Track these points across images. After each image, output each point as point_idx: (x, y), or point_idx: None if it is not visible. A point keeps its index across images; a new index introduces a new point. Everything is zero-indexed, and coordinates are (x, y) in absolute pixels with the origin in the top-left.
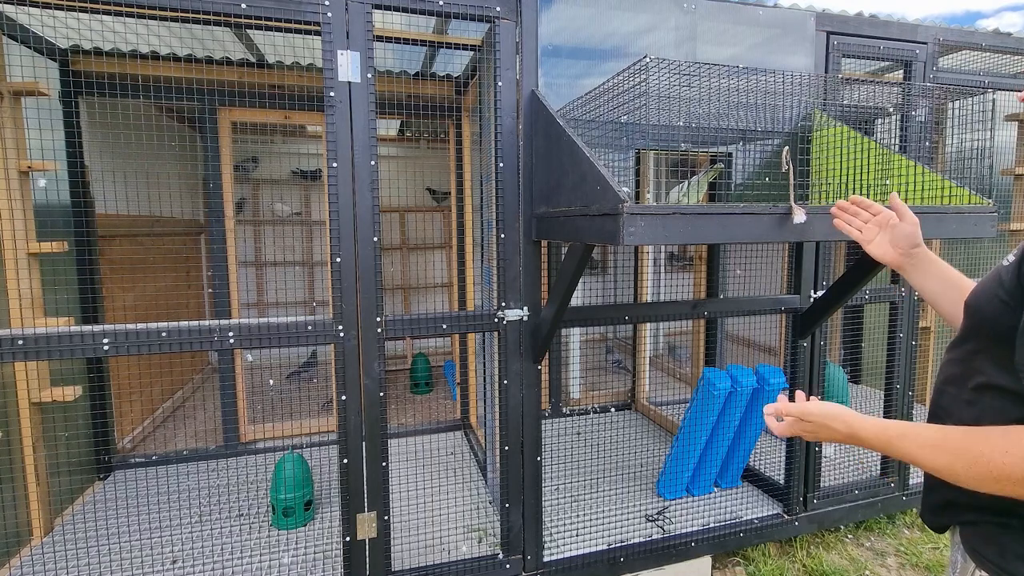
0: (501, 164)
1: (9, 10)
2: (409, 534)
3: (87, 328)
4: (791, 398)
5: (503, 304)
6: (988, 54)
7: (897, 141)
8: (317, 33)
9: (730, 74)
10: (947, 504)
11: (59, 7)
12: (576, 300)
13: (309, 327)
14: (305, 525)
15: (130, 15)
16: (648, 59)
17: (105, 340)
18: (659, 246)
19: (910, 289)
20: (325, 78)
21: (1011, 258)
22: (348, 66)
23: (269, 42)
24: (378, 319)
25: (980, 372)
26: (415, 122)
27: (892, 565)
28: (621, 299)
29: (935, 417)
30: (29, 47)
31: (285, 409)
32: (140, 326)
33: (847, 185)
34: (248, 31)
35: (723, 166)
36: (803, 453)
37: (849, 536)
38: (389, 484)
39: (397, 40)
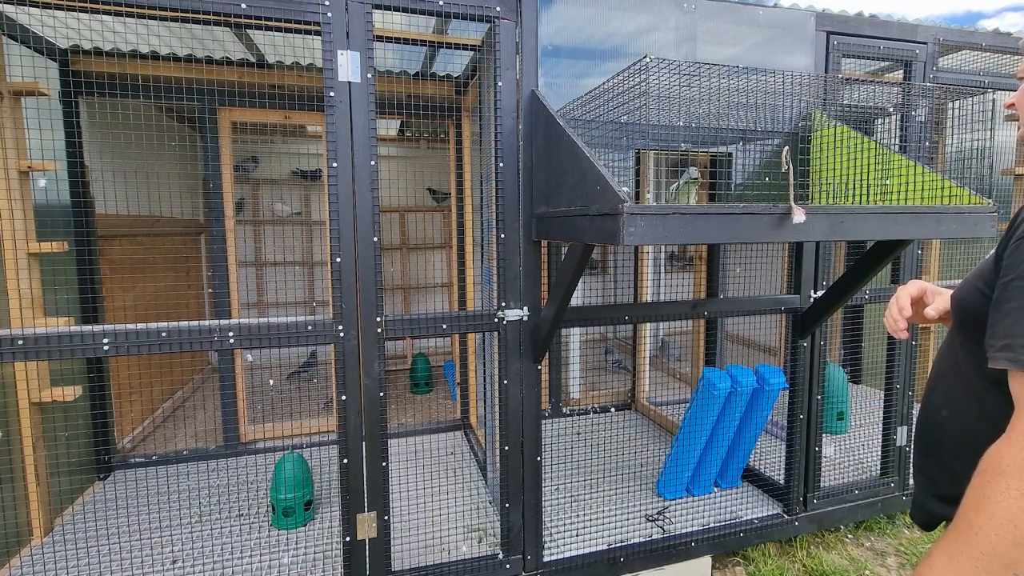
0: (501, 164)
1: (9, 10)
2: (409, 534)
3: (87, 328)
4: (791, 398)
5: (503, 304)
6: (988, 54)
7: (897, 141)
8: (317, 33)
9: (730, 74)
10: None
11: (59, 7)
12: (576, 300)
13: (309, 327)
14: (305, 525)
15: (130, 15)
16: (648, 59)
17: (105, 340)
18: (659, 246)
19: None
20: (325, 78)
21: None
22: (348, 66)
23: (269, 42)
24: (378, 319)
25: (965, 364)
26: (415, 122)
27: (892, 565)
28: (621, 299)
29: (926, 414)
30: (29, 47)
31: (285, 409)
32: (140, 326)
33: (847, 185)
34: (248, 31)
35: (699, 176)
36: (803, 453)
37: (849, 536)
38: (389, 484)
39: (397, 40)
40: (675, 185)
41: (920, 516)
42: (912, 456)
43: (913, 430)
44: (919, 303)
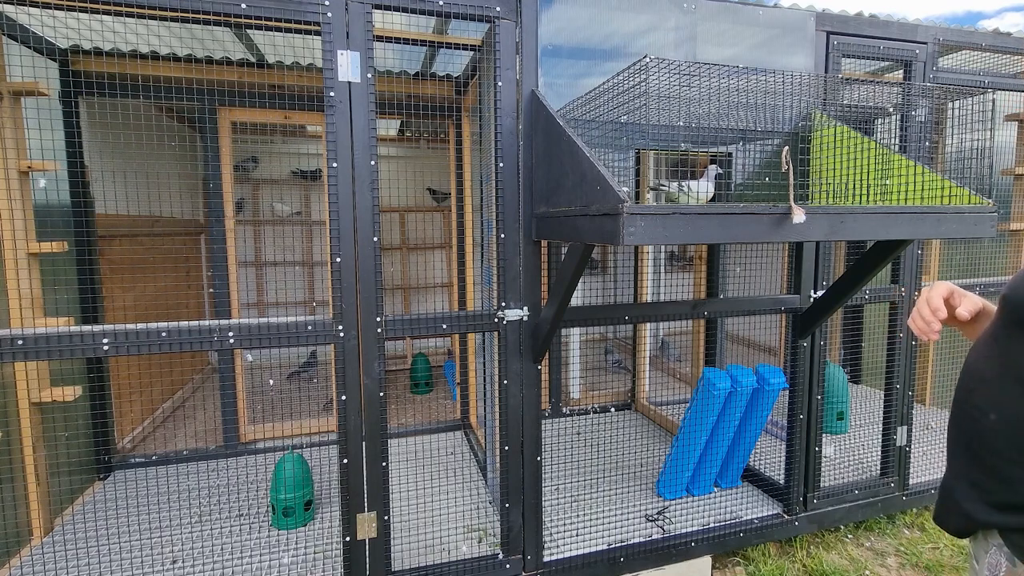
0: (501, 164)
1: (9, 10)
2: (409, 534)
3: (87, 328)
4: (791, 398)
5: (503, 304)
6: (988, 54)
7: (897, 141)
8: (317, 33)
9: (730, 74)
10: (1004, 507)
11: (59, 7)
12: (576, 300)
13: (309, 327)
14: (305, 525)
15: (130, 15)
16: (648, 59)
17: (105, 340)
18: (659, 246)
19: (910, 289)
20: (325, 78)
21: None
22: (348, 66)
23: (269, 42)
24: (378, 319)
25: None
26: (415, 122)
27: (892, 565)
28: (621, 299)
29: (967, 418)
30: (29, 47)
31: (285, 409)
32: (140, 326)
33: (847, 185)
34: (248, 31)
35: (662, 184)
36: (803, 453)
37: (849, 536)
38: (389, 484)
39: (397, 40)
40: (697, 183)
41: (959, 522)
42: (948, 460)
43: (948, 433)
44: (947, 305)
